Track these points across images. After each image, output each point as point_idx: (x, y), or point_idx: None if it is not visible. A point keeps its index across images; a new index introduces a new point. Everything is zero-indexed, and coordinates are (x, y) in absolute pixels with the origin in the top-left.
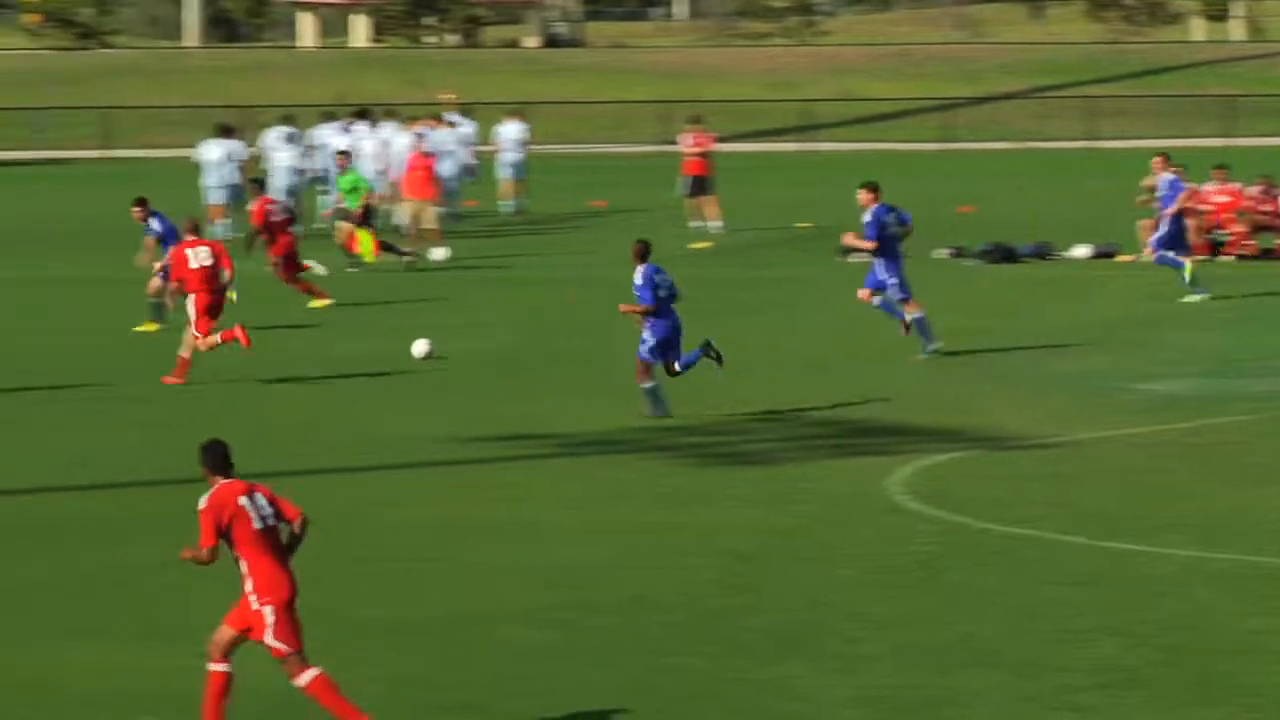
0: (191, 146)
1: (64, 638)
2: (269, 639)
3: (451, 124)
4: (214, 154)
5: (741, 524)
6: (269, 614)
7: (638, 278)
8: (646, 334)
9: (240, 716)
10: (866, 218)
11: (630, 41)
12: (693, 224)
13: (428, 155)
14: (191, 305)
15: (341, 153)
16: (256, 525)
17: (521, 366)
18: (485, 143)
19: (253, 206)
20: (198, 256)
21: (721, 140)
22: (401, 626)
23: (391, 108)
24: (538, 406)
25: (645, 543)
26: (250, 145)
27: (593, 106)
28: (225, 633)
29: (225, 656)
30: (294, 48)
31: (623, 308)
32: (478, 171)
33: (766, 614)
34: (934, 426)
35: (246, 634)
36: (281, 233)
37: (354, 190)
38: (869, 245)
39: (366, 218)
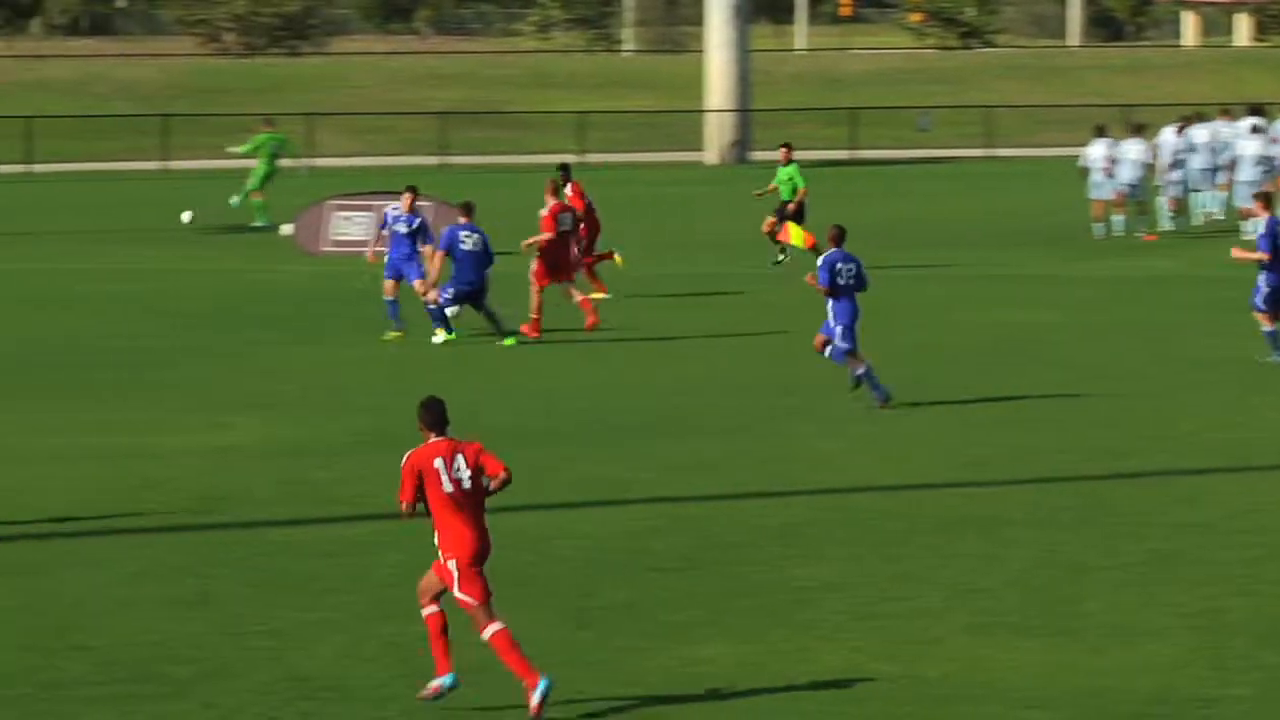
0: (1076, 146)
1: (967, 633)
2: (457, 592)
3: None
4: (1098, 153)
5: None
6: (453, 567)
7: (820, 261)
8: (831, 319)
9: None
10: (1261, 229)
11: None
12: None
13: None
14: (536, 261)
15: (784, 144)
16: (445, 489)
17: None
18: None
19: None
20: (563, 221)
21: None
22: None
23: None
24: None
25: None
26: (1151, 144)
27: None
28: (430, 580)
29: (434, 600)
30: (1176, 47)
31: (808, 278)
32: None
33: None
34: None
35: (447, 586)
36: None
37: (789, 181)
38: (1261, 256)
39: (800, 212)
